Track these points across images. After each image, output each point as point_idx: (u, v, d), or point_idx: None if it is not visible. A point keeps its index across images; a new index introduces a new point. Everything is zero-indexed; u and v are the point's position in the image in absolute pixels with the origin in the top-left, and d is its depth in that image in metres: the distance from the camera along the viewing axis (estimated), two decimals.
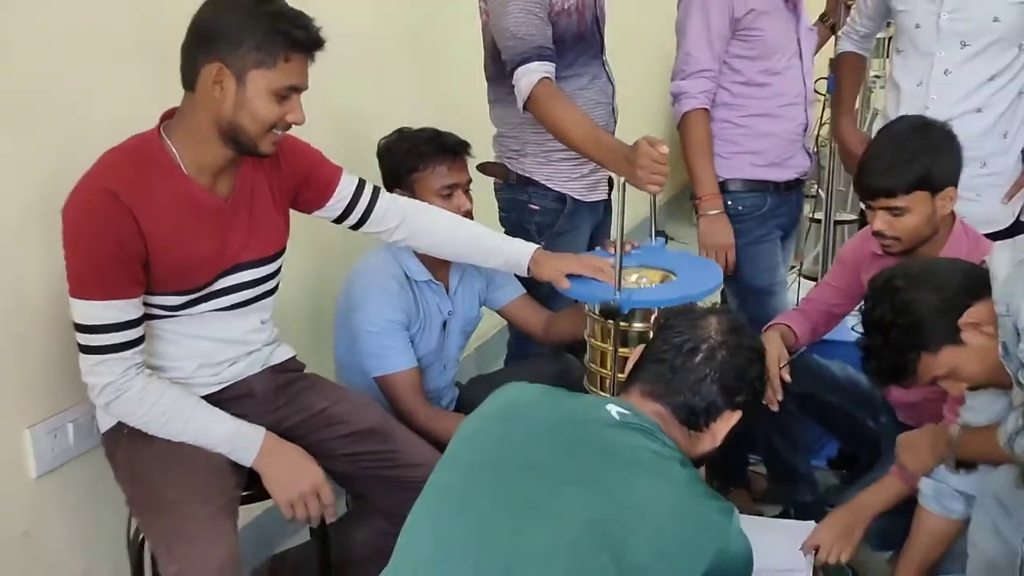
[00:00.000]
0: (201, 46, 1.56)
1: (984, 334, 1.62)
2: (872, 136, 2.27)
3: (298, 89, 1.62)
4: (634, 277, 1.97)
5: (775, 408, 2.09)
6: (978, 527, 1.72)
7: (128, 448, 1.67)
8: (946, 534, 1.86)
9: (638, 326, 1.85)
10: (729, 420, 1.46)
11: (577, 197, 2.41)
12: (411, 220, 1.97)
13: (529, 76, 2.15)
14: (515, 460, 1.34)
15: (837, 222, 3.66)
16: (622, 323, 1.82)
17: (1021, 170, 2.47)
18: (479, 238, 2.04)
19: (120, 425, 1.67)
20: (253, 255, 1.74)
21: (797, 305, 2.50)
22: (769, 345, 2.08)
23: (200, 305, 1.69)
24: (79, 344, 1.59)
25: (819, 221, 3.73)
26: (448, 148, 2.16)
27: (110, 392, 1.60)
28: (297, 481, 1.68)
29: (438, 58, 3.08)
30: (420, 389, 2.13)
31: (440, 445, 1.95)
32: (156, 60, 1.85)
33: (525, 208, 2.40)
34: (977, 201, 2.39)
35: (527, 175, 2.39)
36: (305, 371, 1.95)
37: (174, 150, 1.61)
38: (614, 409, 1.39)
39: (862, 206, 2.17)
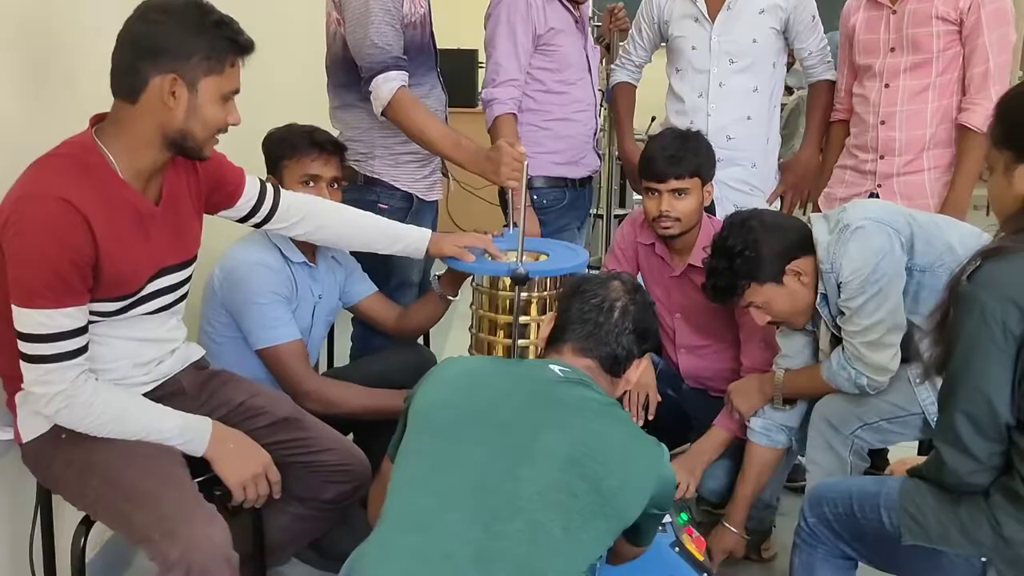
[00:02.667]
0: (147, 58, 1.56)
1: (801, 283, 2.04)
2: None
3: (237, 91, 1.67)
4: (513, 256, 2.18)
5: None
6: (814, 447, 2.11)
7: (73, 450, 1.61)
8: (772, 461, 2.26)
9: (524, 295, 2.06)
10: (639, 366, 1.69)
11: (421, 196, 2.58)
12: (314, 214, 2.04)
13: (389, 84, 2.29)
14: (492, 417, 1.49)
15: (615, 216, 4.16)
16: (511, 292, 2.03)
17: (776, 176, 2.96)
18: (379, 227, 2.14)
19: (56, 429, 1.61)
20: (176, 259, 1.75)
21: None
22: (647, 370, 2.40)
23: (132, 310, 1.68)
24: (25, 355, 1.52)
25: (601, 216, 4.20)
26: (316, 142, 2.26)
27: (61, 400, 1.55)
28: (248, 463, 1.72)
29: None
30: (307, 359, 2.19)
31: (329, 413, 2.08)
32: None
33: (374, 207, 2.47)
34: (751, 195, 2.88)
35: (375, 176, 2.50)
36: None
37: (110, 156, 1.60)
38: (556, 368, 1.58)
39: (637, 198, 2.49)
